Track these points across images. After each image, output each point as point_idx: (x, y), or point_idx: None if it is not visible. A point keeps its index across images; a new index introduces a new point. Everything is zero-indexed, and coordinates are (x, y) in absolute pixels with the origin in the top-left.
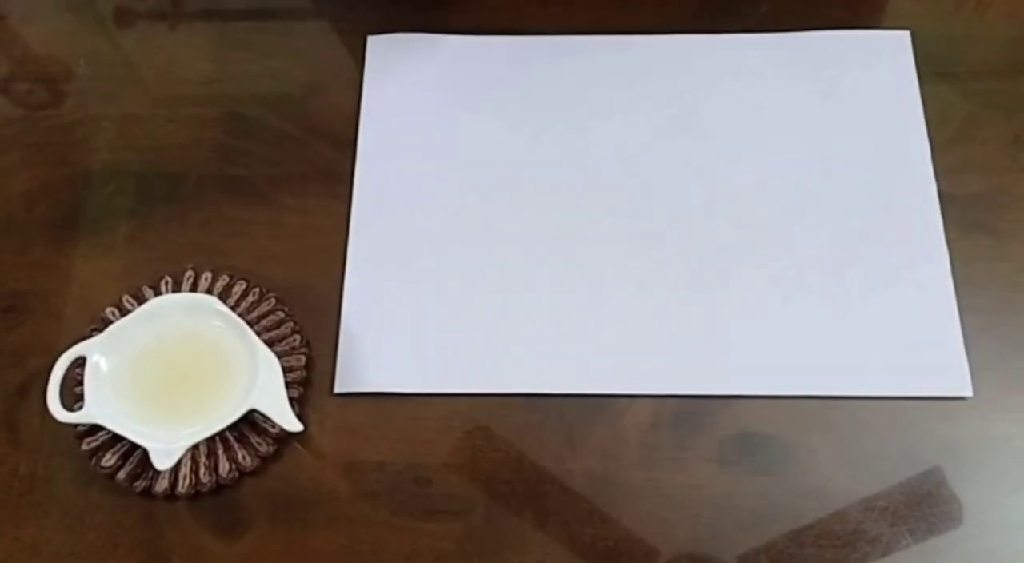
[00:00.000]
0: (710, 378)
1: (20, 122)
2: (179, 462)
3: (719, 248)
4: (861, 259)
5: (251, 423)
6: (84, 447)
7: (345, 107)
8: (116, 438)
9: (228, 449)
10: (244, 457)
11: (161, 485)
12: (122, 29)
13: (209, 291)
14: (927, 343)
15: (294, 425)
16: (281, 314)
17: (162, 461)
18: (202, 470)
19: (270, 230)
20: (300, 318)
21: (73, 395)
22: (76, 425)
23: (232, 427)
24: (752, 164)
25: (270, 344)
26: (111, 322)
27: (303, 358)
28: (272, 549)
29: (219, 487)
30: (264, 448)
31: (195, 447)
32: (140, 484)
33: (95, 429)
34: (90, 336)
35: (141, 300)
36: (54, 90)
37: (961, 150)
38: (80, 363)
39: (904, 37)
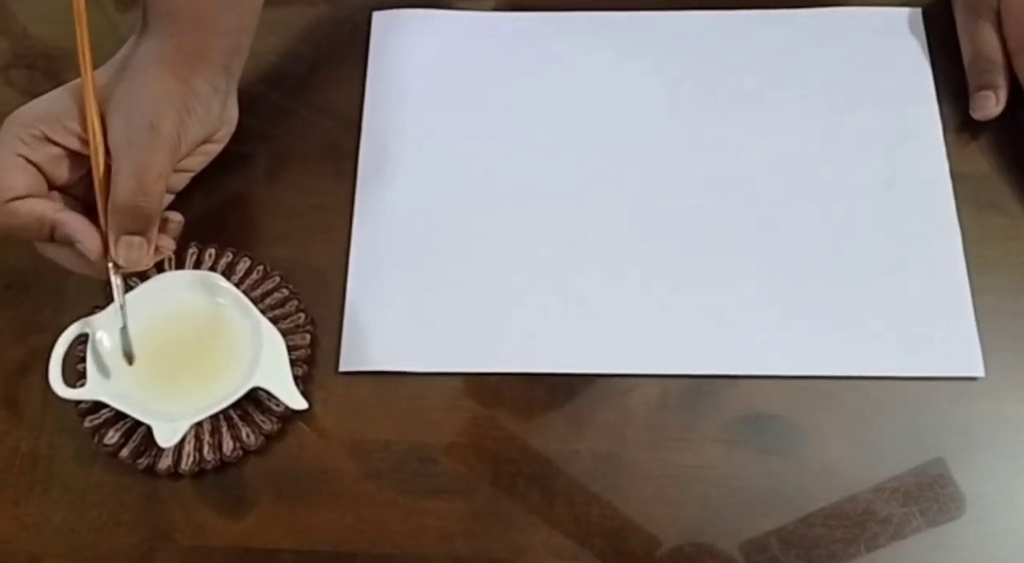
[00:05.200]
0: (718, 358)
1: (29, 94)
2: (182, 440)
3: (728, 226)
4: (872, 238)
5: (255, 401)
6: (87, 425)
7: (349, 84)
8: (119, 416)
9: (232, 427)
10: (248, 435)
11: (164, 463)
12: (123, 12)
13: (213, 268)
14: (938, 323)
15: (299, 403)
16: (285, 292)
17: (166, 439)
18: (206, 448)
19: (274, 208)
20: (304, 296)
21: (75, 372)
22: (78, 403)
23: (236, 405)
24: (762, 142)
25: (274, 322)
26: (113, 300)
27: (308, 336)
28: (276, 527)
29: (223, 465)
30: (268, 426)
31: (199, 425)
32: (143, 462)
33: (97, 407)
34: (92, 313)
35: (144, 277)
36: (53, 74)
37: (974, 128)
38: (82, 340)
39: (916, 15)
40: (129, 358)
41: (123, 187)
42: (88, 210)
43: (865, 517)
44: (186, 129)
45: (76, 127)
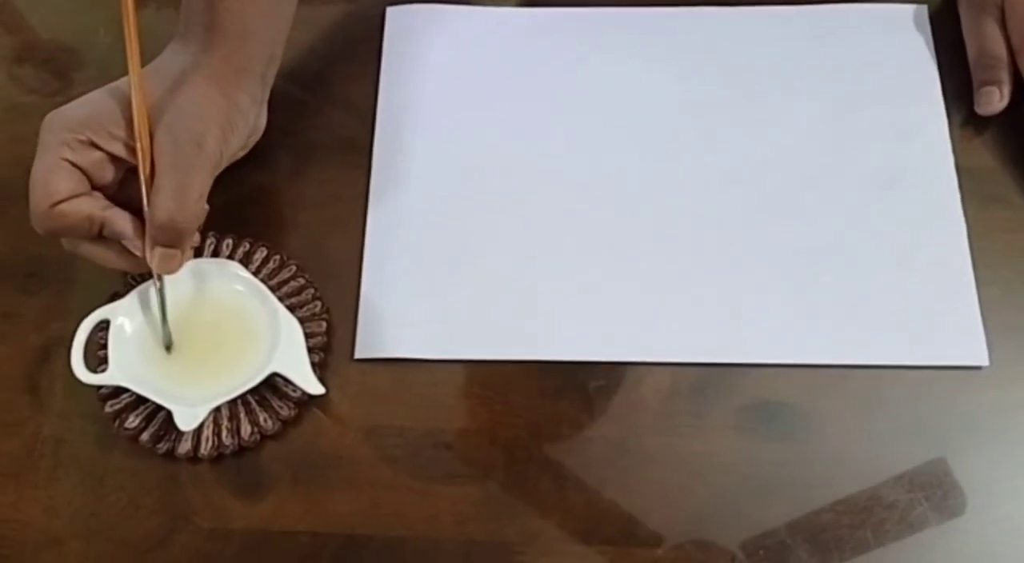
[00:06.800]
0: (728, 346)
1: (37, 92)
2: (201, 425)
3: (737, 217)
4: (879, 229)
5: (272, 387)
6: (107, 409)
7: (364, 78)
8: (139, 401)
9: (250, 412)
10: (266, 420)
11: (184, 447)
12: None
13: (230, 257)
14: (944, 313)
15: (316, 388)
16: (302, 280)
17: (186, 423)
18: (224, 433)
19: (290, 199)
20: (320, 285)
21: (96, 358)
22: (99, 388)
23: (253, 391)
24: (771, 136)
25: (291, 310)
26: (132, 286)
27: (324, 324)
28: (293, 511)
29: (241, 450)
30: (285, 412)
31: (217, 410)
32: (163, 446)
33: (118, 392)
34: (111, 300)
35: None
36: (60, 72)
37: (978, 123)
38: (102, 327)
39: (922, 11)
40: (168, 348)
41: (163, 207)
42: (123, 209)
43: (872, 503)
44: (228, 146)
45: (121, 133)
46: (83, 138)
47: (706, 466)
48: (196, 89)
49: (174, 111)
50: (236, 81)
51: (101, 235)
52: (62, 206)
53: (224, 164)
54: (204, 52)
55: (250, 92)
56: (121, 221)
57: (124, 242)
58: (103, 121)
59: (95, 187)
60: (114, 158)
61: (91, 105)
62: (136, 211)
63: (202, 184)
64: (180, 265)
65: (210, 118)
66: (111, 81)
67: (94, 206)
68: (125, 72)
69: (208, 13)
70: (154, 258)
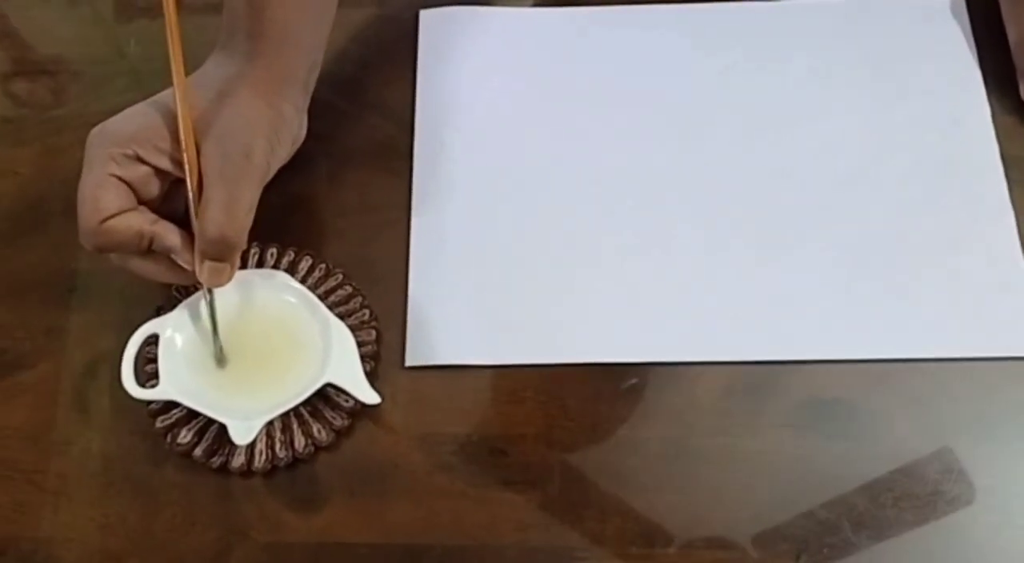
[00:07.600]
0: (781, 343)
1: (67, 105)
2: (254, 438)
3: (786, 214)
4: (927, 222)
5: (325, 398)
6: (158, 425)
7: (400, 82)
8: (191, 415)
9: (303, 424)
10: (319, 431)
11: (238, 461)
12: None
13: (275, 266)
14: (997, 304)
15: (372, 397)
16: (349, 288)
17: (242, 437)
18: (278, 445)
19: (331, 206)
20: (367, 293)
21: (143, 374)
22: (148, 404)
23: (305, 402)
24: (814, 130)
25: (340, 319)
26: (178, 300)
27: (373, 332)
28: (351, 522)
29: (295, 462)
30: (339, 422)
31: (269, 423)
32: (216, 461)
33: (168, 407)
34: (156, 315)
35: None
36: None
37: (1022, 111)
38: (148, 341)
39: (960, 1)
40: (220, 362)
41: (213, 220)
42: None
43: (935, 497)
44: (275, 157)
45: (167, 147)
46: (130, 153)
47: (764, 465)
48: (241, 100)
49: (221, 123)
50: (280, 90)
51: (150, 249)
52: (111, 222)
53: (270, 175)
54: (248, 62)
55: (293, 101)
56: (170, 235)
57: (173, 256)
58: (149, 135)
59: (141, 201)
60: (160, 172)
61: (136, 119)
62: (180, 223)
63: (252, 197)
64: (229, 278)
65: (257, 129)
66: (144, 92)
67: (143, 221)
68: (159, 83)
69: (251, 20)
70: (203, 272)
